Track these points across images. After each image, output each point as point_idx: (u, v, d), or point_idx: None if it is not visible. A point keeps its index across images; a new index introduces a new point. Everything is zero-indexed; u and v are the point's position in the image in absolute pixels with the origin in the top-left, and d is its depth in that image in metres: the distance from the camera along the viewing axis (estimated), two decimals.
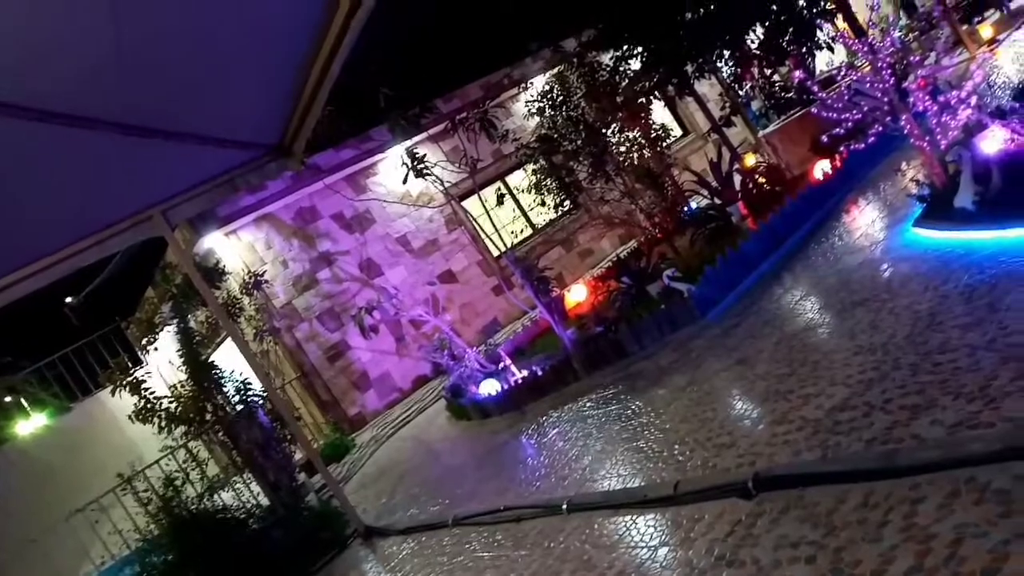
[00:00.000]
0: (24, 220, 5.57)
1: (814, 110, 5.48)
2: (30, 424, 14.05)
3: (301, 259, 11.69)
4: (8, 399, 15.17)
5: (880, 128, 5.25)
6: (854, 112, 5.19)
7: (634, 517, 3.55)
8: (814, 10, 8.86)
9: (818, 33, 8.76)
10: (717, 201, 8.58)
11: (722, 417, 4.14)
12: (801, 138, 9.49)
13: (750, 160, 10.33)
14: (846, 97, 5.18)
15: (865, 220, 6.22)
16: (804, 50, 8.66)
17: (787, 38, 8.53)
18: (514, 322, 12.23)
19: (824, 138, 5.85)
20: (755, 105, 12.60)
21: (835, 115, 5.25)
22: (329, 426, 11.00)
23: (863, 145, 5.45)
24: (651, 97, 9.67)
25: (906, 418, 2.87)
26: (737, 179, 8.91)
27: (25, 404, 15.01)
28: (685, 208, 9.36)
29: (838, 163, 7.68)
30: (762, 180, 8.74)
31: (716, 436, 3.91)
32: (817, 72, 10.53)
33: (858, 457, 2.80)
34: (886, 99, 5.10)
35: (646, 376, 5.61)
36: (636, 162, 9.09)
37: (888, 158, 7.83)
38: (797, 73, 6.20)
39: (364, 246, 12.20)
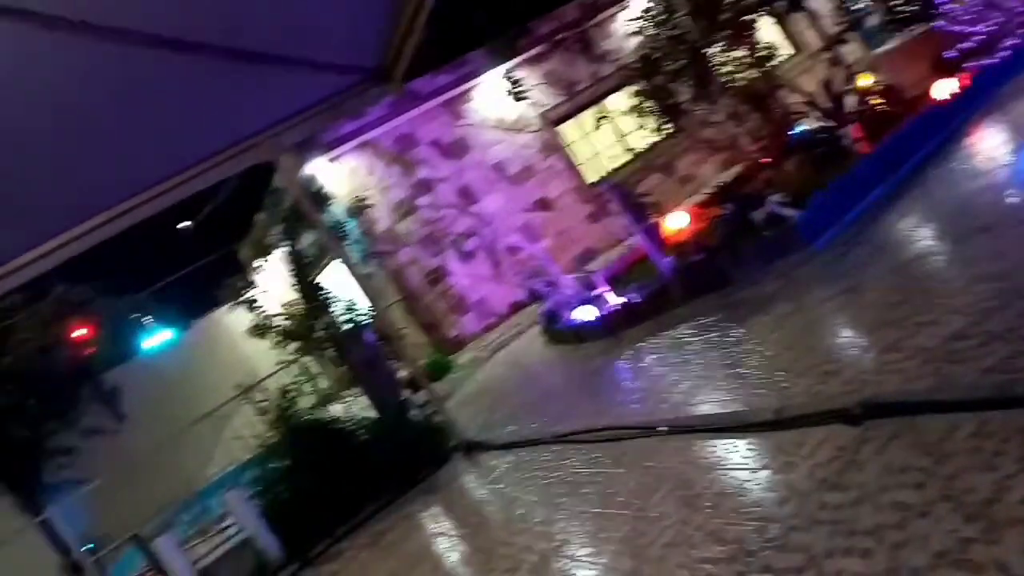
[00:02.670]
0: (142, 147, 5.90)
1: (939, 24, 5.12)
2: (153, 340, 15.13)
3: (401, 185, 11.93)
4: (133, 317, 16.32)
5: (1014, 42, 4.87)
6: (985, 25, 4.82)
7: (734, 441, 3.59)
8: None
9: None
10: (828, 123, 8.18)
11: (828, 345, 4.09)
12: (922, 56, 8.87)
13: (865, 80, 9.74)
14: (976, 9, 4.81)
15: (991, 143, 5.84)
16: None
17: None
18: (609, 250, 12.18)
19: (950, 54, 5.47)
20: (871, 21, 11.81)
21: (963, 29, 4.90)
22: (430, 347, 11.39)
23: (994, 61, 5.08)
24: (759, 13, 9.19)
25: None
26: (851, 100, 8.45)
27: (148, 322, 16.12)
28: (793, 131, 8.97)
29: (963, 81, 7.17)
30: (877, 101, 8.26)
31: (821, 364, 3.86)
32: None
33: (973, 386, 2.73)
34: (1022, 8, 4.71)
35: (748, 304, 5.54)
36: (741, 82, 8.73)
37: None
38: None
39: (461, 173, 12.32)
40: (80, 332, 14.11)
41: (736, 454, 3.46)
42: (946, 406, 2.71)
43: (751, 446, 3.43)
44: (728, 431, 3.70)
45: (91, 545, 6.71)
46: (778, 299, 5.22)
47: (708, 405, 4.25)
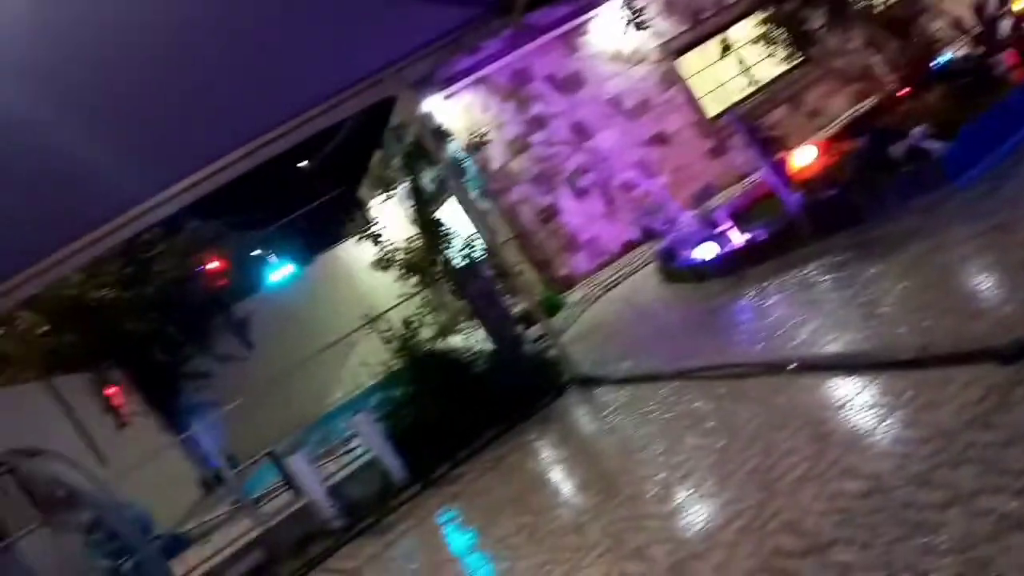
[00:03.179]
0: (272, 85, 6.12)
1: None
2: (278, 275, 15.92)
3: (515, 122, 11.89)
4: (260, 252, 17.19)
5: None
6: None
7: (871, 379, 3.47)
8: None
9: None
10: (978, 51, 7.55)
11: (974, 284, 3.87)
12: None
13: (1021, 2, 8.89)
14: None
15: None
16: None
17: None
18: (730, 187, 11.80)
19: None
20: None
21: None
22: (541, 285, 11.48)
23: None
24: None
25: None
26: (1005, 25, 7.75)
27: (274, 257, 16.95)
28: (936, 60, 8.34)
29: None
30: None
31: (966, 303, 3.68)
32: None
33: None
34: None
35: (885, 242, 5.28)
36: (881, 7, 8.13)
37: None
38: None
39: (575, 108, 12.14)
40: (212, 265, 15.03)
41: (873, 393, 3.36)
42: None
43: (890, 385, 3.31)
44: (864, 369, 3.58)
45: (227, 462, 7.26)
46: (918, 237, 4.94)
47: (840, 344, 4.12)
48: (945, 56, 8.37)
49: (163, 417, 13.52)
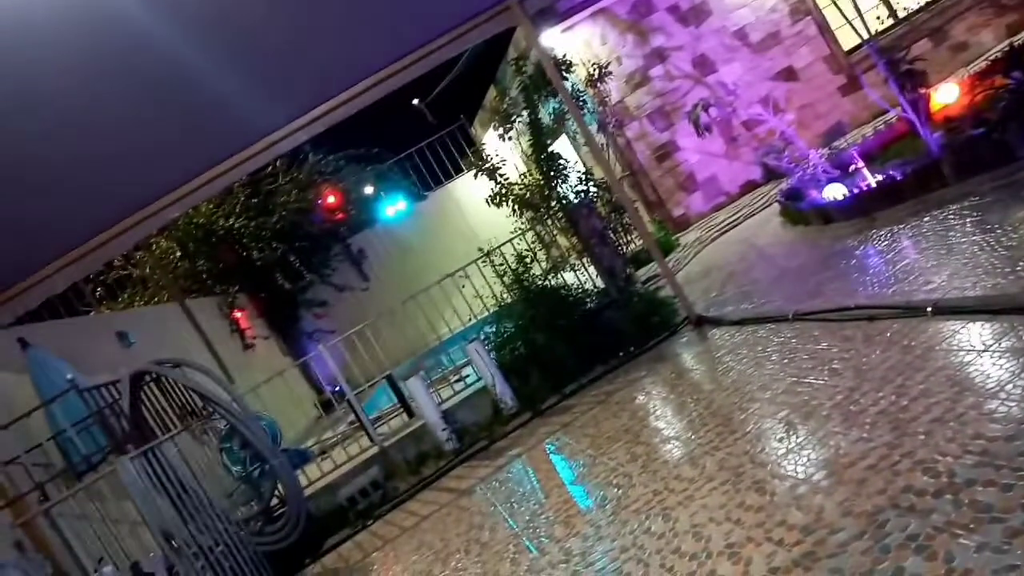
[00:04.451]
0: (398, 13, 6.16)
1: None
2: (393, 208, 16.29)
3: (634, 56, 11.55)
4: (376, 186, 17.60)
5: None
6: None
7: (1015, 324, 3.28)
8: None
9: None
10: None
11: None
12: None
13: None
14: None
15: None
16: None
17: None
18: (863, 126, 11.15)
19: None
20: None
21: None
22: (655, 224, 11.29)
23: None
24: None
25: None
26: None
27: (389, 192, 17.33)
28: None
29: None
30: None
31: None
32: None
33: None
34: None
35: None
36: None
37: None
38: None
39: (699, 40, 11.66)
40: (331, 199, 15.52)
41: (1018, 337, 3.16)
42: None
43: None
44: (1010, 313, 3.37)
45: (340, 387, 7.60)
46: None
47: (982, 288, 3.88)
48: None
49: (285, 341, 14.29)
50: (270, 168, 14.04)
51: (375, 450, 7.10)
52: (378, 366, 8.12)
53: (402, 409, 7.83)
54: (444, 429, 6.77)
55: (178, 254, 13.13)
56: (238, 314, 12.70)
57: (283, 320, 14.47)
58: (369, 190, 17.10)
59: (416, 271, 13.28)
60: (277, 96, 6.25)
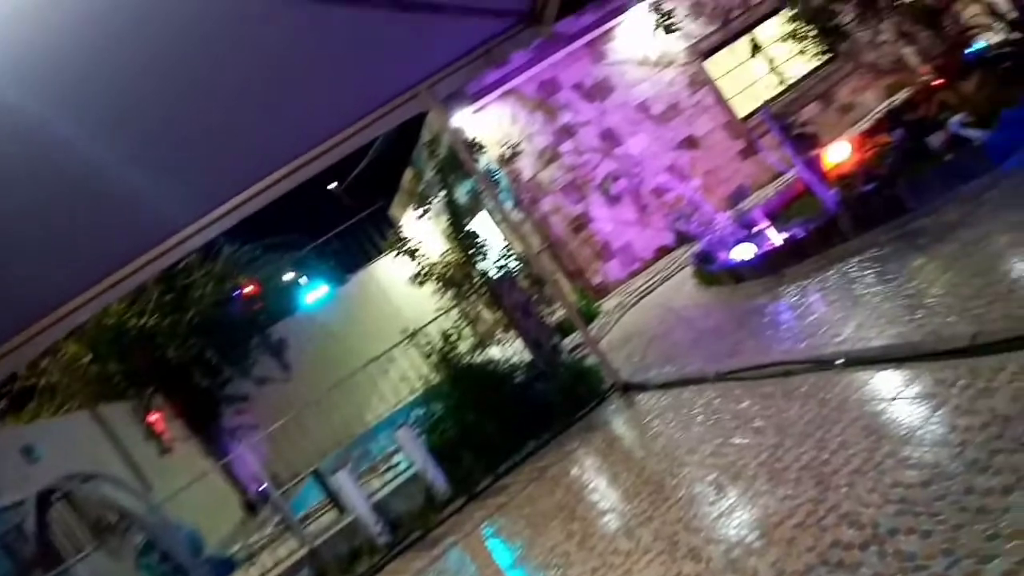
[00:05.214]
0: (308, 106, 6.19)
1: None
2: (314, 295, 16.09)
3: (544, 133, 11.91)
4: (294, 274, 17.40)
5: None
6: None
7: (921, 371, 3.40)
8: None
9: None
10: (1015, 36, 7.40)
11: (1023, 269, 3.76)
12: None
13: None
14: None
15: None
16: None
17: None
18: (763, 187, 11.69)
19: None
20: None
21: None
22: (575, 293, 11.44)
23: None
24: None
25: None
26: None
27: (308, 278, 17.14)
28: (971, 48, 8.18)
29: None
30: None
31: (1016, 289, 3.58)
32: None
33: None
34: None
35: (928, 233, 5.18)
36: None
37: None
38: None
39: (604, 115, 12.13)
40: (248, 289, 15.23)
41: (925, 383, 3.28)
42: None
43: (941, 374, 3.24)
44: (914, 360, 3.50)
45: (271, 482, 7.31)
46: (964, 225, 4.84)
47: (887, 337, 4.03)
48: (980, 43, 8.21)
49: (205, 441, 13.69)
50: (183, 264, 13.69)
51: (305, 551, 6.78)
52: (304, 461, 7.85)
53: (331, 505, 7.54)
54: (376, 522, 6.53)
55: (88, 358, 12.54)
56: (153, 417, 12.15)
57: (203, 419, 13.89)
58: (288, 278, 16.88)
59: (340, 357, 12.99)
60: (189, 191, 6.14)
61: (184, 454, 12.52)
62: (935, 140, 6.24)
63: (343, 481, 6.74)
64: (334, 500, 7.42)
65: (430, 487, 6.68)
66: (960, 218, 5.01)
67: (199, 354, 13.46)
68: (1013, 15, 7.45)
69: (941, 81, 7.75)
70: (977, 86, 7.30)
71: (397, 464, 7.40)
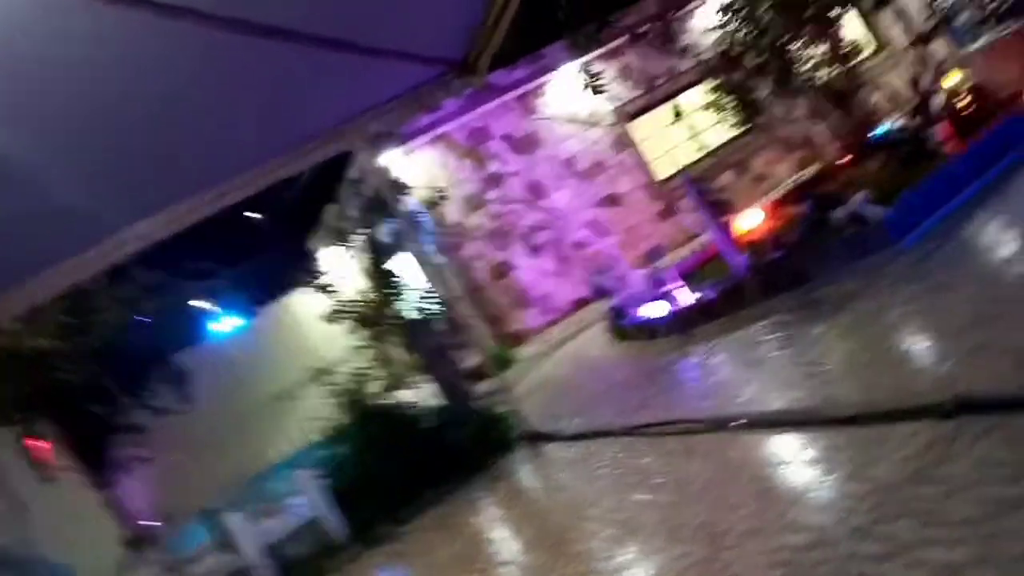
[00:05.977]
0: (233, 134, 6.08)
1: None
2: (223, 325, 15.58)
3: (472, 179, 12.02)
4: (205, 302, 16.83)
5: None
6: None
7: (815, 435, 3.51)
8: None
9: None
10: (914, 123, 7.94)
11: (917, 341, 3.97)
12: (1015, 56, 8.52)
13: (953, 79, 9.41)
14: None
15: None
16: None
17: None
18: (679, 248, 12.03)
19: None
20: (960, 19, 11.38)
21: None
22: (492, 340, 11.45)
23: None
24: (843, 9, 8.98)
25: None
26: (938, 99, 8.18)
27: (219, 308, 16.62)
28: (875, 130, 8.74)
29: None
30: (966, 102, 7.96)
31: (909, 360, 3.77)
32: None
33: None
34: None
35: (829, 302, 5.41)
36: (823, 80, 8.52)
37: None
38: None
39: (532, 167, 12.34)
40: (154, 315, 14.61)
41: (817, 448, 3.39)
42: None
43: (833, 440, 3.35)
44: (809, 425, 3.62)
45: (159, 519, 6.96)
46: (861, 297, 5.08)
47: (785, 402, 4.16)
48: (883, 127, 8.77)
49: (92, 472, 12.91)
50: (89, 284, 13.04)
51: None
52: (197, 498, 7.50)
53: (222, 546, 7.20)
54: (266, 567, 6.26)
55: None
56: (38, 443, 11.41)
57: (93, 448, 13.13)
58: (198, 305, 16.32)
59: (246, 392, 12.57)
60: (100, 208, 5.87)
61: (69, 483, 11.77)
62: (839, 214, 6.56)
63: (235, 521, 6.46)
64: (224, 541, 7.08)
65: (327, 532, 6.46)
66: (858, 290, 5.26)
67: (95, 380, 12.78)
68: (913, 103, 7.99)
69: (847, 159, 8.23)
70: (880, 166, 7.78)
71: (295, 506, 7.13)
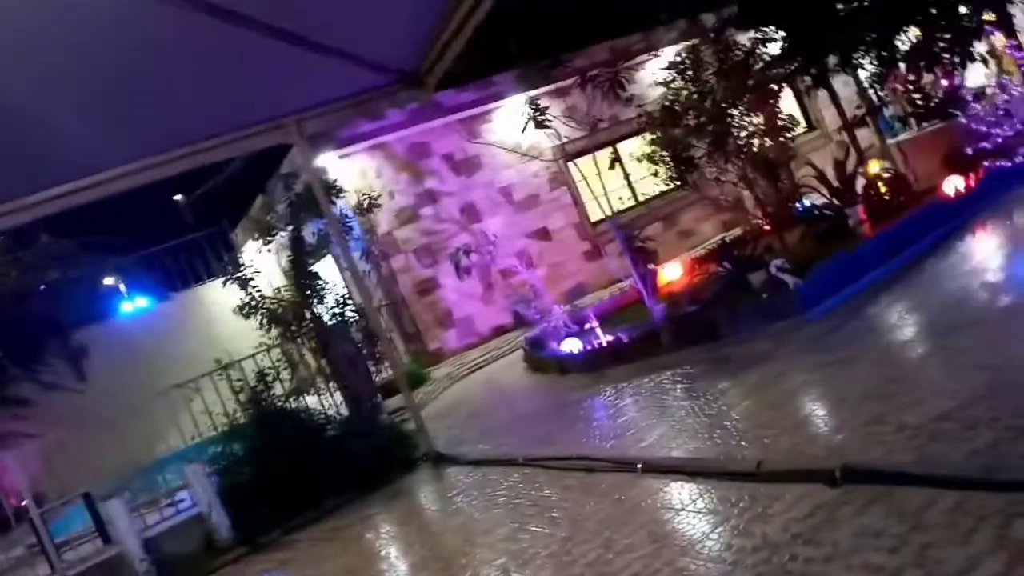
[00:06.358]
0: (173, 108, 5.92)
1: (962, 120, 5.29)
2: (131, 305, 14.95)
3: (407, 193, 11.99)
4: (114, 279, 16.14)
5: None
6: (1005, 128, 4.99)
7: (710, 487, 3.63)
8: (974, 20, 8.40)
9: (975, 44, 8.31)
10: (835, 202, 8.37)
11: (814, 408, 4.16)
12: (934, 151, 9.11)
13: (876, 166, 9.98)
14: (1001, 111, 4.98)
15: (992, 243, 6.00)
16: (957, 59, 8.24)
17: (942, 44, 8.13)
18: (601, 289, 12.27)
19: (968, 150, 5.64)
20: (889, 111, 12.10)
21: (984, 128, 5.06)
22: (409, 356, 11.37)
23: (1010, 164, 5.25)
24: (783, 85, 9.42)
25: (1013, 437, 2.84)
26: (860, 183, 8.66)
27: (128, 286, 15.96)
28: (798, 204, 9.16)
29: (974, 180, 7.37)
30: (886, 188, 8.46)
31: (806, 425, 3.94)
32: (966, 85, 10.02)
33: (957, 465, 2.80)
34: None
35: (737, 360, 5.62)
36: (756, 148, 8.90)
37: None
38: (945, 82, 5.97)
39: (468, 190, 12.41)
40: (57, 285, 13.91)
41: (711, 499, 3.50)
42: (927, 480, 2.76)
43: (727, 494, 3.46)
44: (705, 476, 3.74)
45: (30, 500, 6.57)
46: (768, 359, 5.30)
47: (685, 450, 4.29)
48: (807, 202, 9.20)
49: None
50: None
51: None
52: (78, 481, 7.12)
53: (97, 534, 6.86)
54: (143, 560, 6.00)
55: None
56: None
57: None
58: (107, 282, 15.62)
59: (146, 377, 11.98)
60: (16, 163, 5.59)
61: None
62: (756, 278, 6.84)
63: (115, 510, 6.19)
64: (101, 529, 6.75)
65: (212, 530, 6.26)
66: (766, 352, 5.49)
67: None
68: (836, 184, 8.43)
69: (769, 227, 8.59)
70: (799, 237, 8.15)
71: (180, 501, 6.88)
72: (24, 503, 6.76)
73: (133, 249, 15.99)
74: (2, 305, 12.49)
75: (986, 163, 5.47)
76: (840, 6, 8.48)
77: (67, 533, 7.74)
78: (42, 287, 13.69)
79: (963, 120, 5.57)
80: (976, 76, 10.21)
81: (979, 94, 8.04)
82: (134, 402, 7.12)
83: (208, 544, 6.23)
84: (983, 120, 4.99)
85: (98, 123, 5.37)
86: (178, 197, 19.93)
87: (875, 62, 8.97)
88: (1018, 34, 9.66)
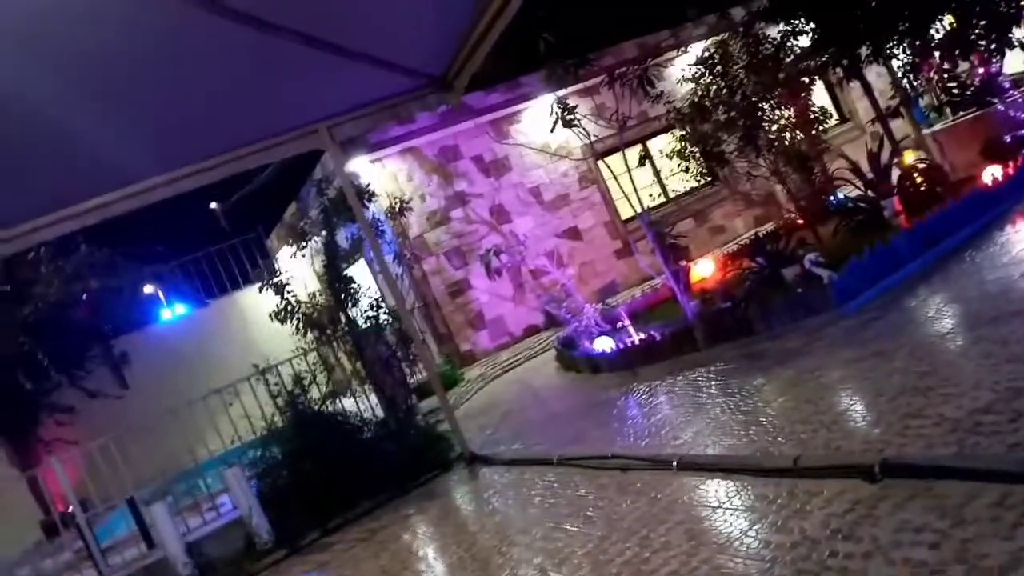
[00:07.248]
0: (210, 117, 6.02)
1: (1000, 108, 5.18)
2: (169, 312, 15.23)
3: (437, 195, 12.05)
4: (153, 287, 16.44)
5: None
6: None
7: (747, 484, 3.60)
8: (1013, 5, 8.22)
9: (1014, 29, 8.12)
10: (870, 194, 8.25)
11: (852, 403, 4.11)
12: (971, 140, 8.93)
13: (911, 156, 9.81)
14: None
15: None
16: (994, 46, 8.06)
17: (977, 31, 7.96)
18: (632, 287, 12.22)
19: (1006, 139, 5.52)
20: (924, 101, 11.89)
21: (1023, 116, 4.95)
22: (442, 357, 11.43)
23: None
24: (815, 78, 9.31)
25: None
26: (895, 174, 8.52)
27: (167, 294, 16.25)
28: (832, 197, 9.04)
29: (1012, 170, 7.21)
30: (921, 179, 8.31)
31: (843, 420, 3.89)
32: (1004, 72, 9.80)
33: (998, 458, 2.75)
34: None
35: (771, 356, 5.57)
36: (788, 142, 8.80)
37: None
38: (981, 70, 5.85)
39: (498, 191, 12.43)
40: (98, 294, 14.21)
41: (747, 496, 3.48)
42: (968, 474, 2.72)
43: (764, 491, 3.44)
44: (741, 473, 3.71)
45: (76, 506, 6.73)
46: (803, 354, 5.24)
47: (721, 447, 4.26)
48: (840, 194, 9.08)
49: (14, 450, 12.45)
50: (31, 255, 12.65)
51: None
52: (122, 487, 7.28)
53: (142, 538, 7.00)
54: (186, 564, 6.12)
55: None
56: None
57: (16, 424, 12.65)
58: (147, 290, 15.92)
59: (185, 383, 12.18)
60: (58, 177, 5.74)
61: None
62: (790, 273, 6.77)
63: (158, 514, 6.31)
64: (145, 533, 6.90)
65: (252, 534, 6.35)
66: (800, 347, 5.43)
67: (28, 354, 12.34)
68: (870, 176, 8.30)
69: (803, 221, 8.49)
70: (833, 231, 8.05)
71: (221, 505, 7.00)
72: (71, 509, 6.93)
73: (170, 257, 16.29)
74: (46, 314, 12.80)
75: None
76: None
77: (112, 538, 7.92)
78: (84, 296, 13.99)
79: (1001, 108, 5.46)
80: (1015, 63, 9.99)
81: (1018, 81, 7.86)
82: (174, 407, 7.24)
83: (249, 547, 6.32)
84: (1022, 107, 4.87)
85: (138, 134, 5.48)
86: (213, 205, 20.24)
87: (908, 51, 8.83)
88: None
